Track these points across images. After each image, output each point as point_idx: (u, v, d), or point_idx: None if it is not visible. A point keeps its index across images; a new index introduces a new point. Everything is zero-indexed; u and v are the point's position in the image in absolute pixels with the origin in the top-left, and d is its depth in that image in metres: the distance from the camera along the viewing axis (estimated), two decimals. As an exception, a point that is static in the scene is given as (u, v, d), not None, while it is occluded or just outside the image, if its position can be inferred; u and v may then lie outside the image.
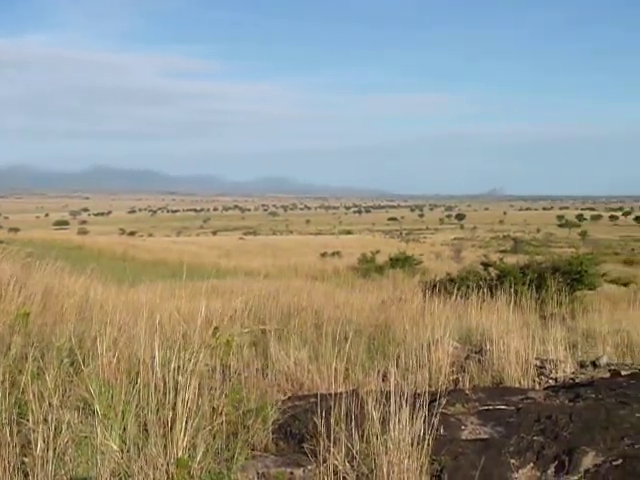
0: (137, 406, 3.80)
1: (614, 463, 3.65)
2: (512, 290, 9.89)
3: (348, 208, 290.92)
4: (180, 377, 3.79)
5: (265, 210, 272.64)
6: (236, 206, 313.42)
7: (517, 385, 5.68)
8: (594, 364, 6.32)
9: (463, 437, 4.18)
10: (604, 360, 6.40)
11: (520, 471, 3.68)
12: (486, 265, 19.92)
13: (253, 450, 4.06)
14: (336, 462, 3.67)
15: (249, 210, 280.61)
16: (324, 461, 3.68)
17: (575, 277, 17.41)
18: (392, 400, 3.72)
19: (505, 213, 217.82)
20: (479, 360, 6.28)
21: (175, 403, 3.69)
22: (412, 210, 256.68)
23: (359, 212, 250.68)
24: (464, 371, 6.06)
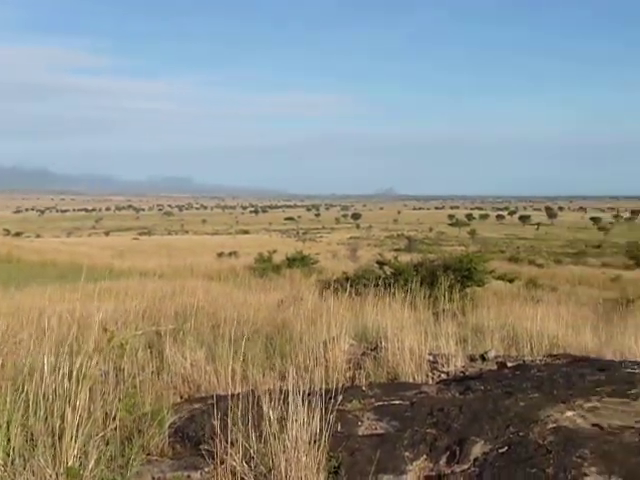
0: (23, 416, 3.62)
1: (500, 450, 3.83)
2: (406, 288, 10.17)
3: (245, 208, 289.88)
4: (70, 383, 3.65)
5: (160, 210, 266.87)
6: (130, 206, 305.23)
7: (411, 380, 5.85)
8: (483, 357, 6.60)
9: (360, 433, 4.25)
10: (492, 353, 6.70)
11: (414, 463, 3.79)
12: (381, 264, 20.36)
13: (149, 455, 3.97)
14: (234, 463, 3.65)
15: (143, 210, 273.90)
16: (222, 462, 3.65)
17: (465, 274, 18.10)
18: (290, 399, 3.74)
19: (399, 212, 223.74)
20: (375, 357, 6.41)
21: (64, 410, 3.55)
22: (308, 210, 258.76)
23: (256, 212, 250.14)
24: (360, 368, 6.17)
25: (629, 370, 5.71)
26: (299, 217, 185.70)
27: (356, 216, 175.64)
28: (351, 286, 11.00)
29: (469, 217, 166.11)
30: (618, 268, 52.15)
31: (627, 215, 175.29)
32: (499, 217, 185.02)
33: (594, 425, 4.17)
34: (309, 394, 3.87)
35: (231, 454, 3.66)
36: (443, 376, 6.02)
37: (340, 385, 5.29)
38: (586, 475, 3.44)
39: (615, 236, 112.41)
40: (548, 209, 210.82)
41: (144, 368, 5.27)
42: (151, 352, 6.20)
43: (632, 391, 4.92)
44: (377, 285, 10.44)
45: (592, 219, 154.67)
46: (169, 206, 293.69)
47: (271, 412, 3.73)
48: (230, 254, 48.86)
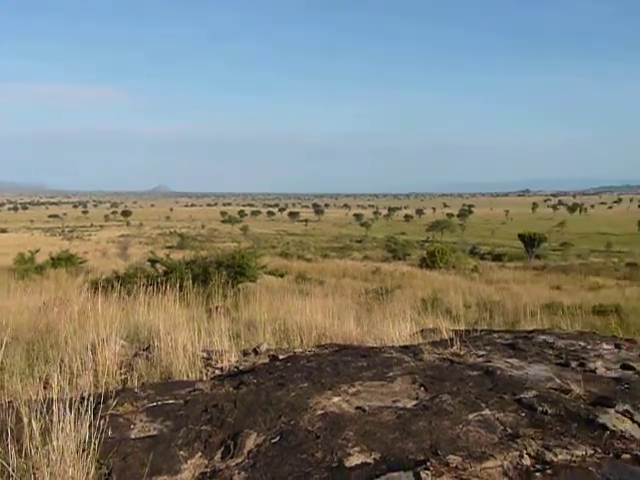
0: None
1: (273, 440, 3.96)
2: (179, 286, 10.06)
3: (2, 205, 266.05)
4: None
5: None
6: None
7: (186, 378, 5.80)
8: (255, 351, 6.75)
9: (132, 436, 4.13)
10: (264, 347, 6.87)
11: (189, 461, 3.77)
12: (153, 261, 19.94)
13: None
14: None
15: None
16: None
17: (238, 270, 18.37)
18: (54, 408, 3.51)
19: (171, 210, 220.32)
20: (147, 357, 6.25)
21: None
22: (75, 206, 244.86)
23: (15, 209, 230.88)
24: (133, 369, 5.98)
25: (387, 355, 6.21)
26: (65, 214, 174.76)
27: (126, 213, 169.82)
28: (122, 285, 10.63)
29: (241, 214, 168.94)
30: (378, 261, 56.34)
31: (385, 212, 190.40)
32: (270, 214, 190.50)
33: (357, 408, 4.47)
34: (77, 400, 3.67)
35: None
36: (217, 372, 6.05)
37: (111, 389, 5.09)
38: (350, 455, 3.68)
39: (375, 231, 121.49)
40: (315, 206, 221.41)
41: None
42: None
43: (389, 374, 5.36)
44: (149, 284, 10.19)
45: (355, 215, 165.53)
46: None
47: (33, 423, 3.48)
48: (-18, 255, 44.56)
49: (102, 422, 3.59)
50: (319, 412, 4.36)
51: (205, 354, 6.44)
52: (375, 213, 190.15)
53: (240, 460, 3.76)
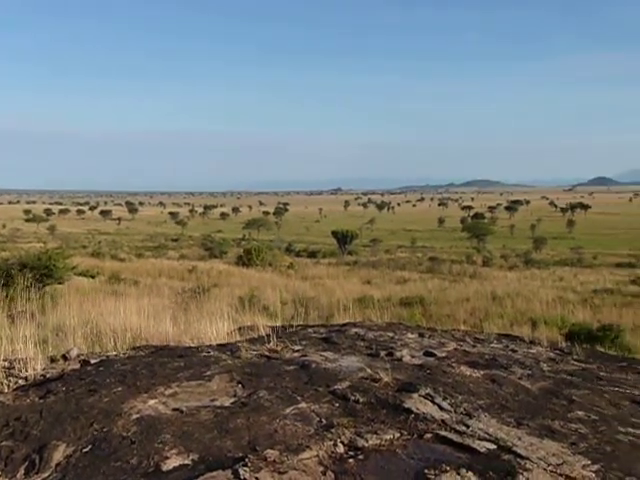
0: None
1: (84, 450, 3.76)
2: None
3: None
4: None
5: None
6: None
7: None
8: (65, 357, 6.38)
9: None
10: (74, 352, 6.51)
11: (-12, 481, 3.47)
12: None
13: None
14: None
15: None
16: None
17: (44, 272, 17.25)
18: None
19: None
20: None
21: None
22: None
23: None
24: None
25: (204, 354, 6.16)
26: None
27: None
28: None
29: (48, 212, 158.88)
30: (194, 259, 55.66)
31: (201, 210, 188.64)
32: (80, 212, 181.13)
33: (175, 409, 4.39)
34: None
35: None
36: (21, 382, 5.64)
37: None
38: (167, 458, 3.60)
39: (191, 230, 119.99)
40: (129, 204, 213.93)
41: None
42: None
43: (207, 373, 5.32)
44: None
45: (171, 214, 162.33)
46: None
47: None
48: None
49: None
50: (134, 416, 4.22)
51: (7, 363, 5.97)
52: (191, 211, 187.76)
53: (47, 474, 3.52)
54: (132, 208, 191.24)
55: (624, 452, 3.88)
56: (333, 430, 4.04)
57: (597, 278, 44.34)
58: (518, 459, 3.66)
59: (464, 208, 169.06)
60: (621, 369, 6.62)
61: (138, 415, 4.25)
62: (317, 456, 3.67)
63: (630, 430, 4.32)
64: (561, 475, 3.48)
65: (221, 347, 6.65)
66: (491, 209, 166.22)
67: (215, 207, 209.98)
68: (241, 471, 3.37)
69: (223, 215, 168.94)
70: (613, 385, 5.65)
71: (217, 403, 4.58)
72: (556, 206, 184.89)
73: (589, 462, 3.67)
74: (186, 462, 3.57)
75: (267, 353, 6.30)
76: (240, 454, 3.64)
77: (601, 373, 6.22)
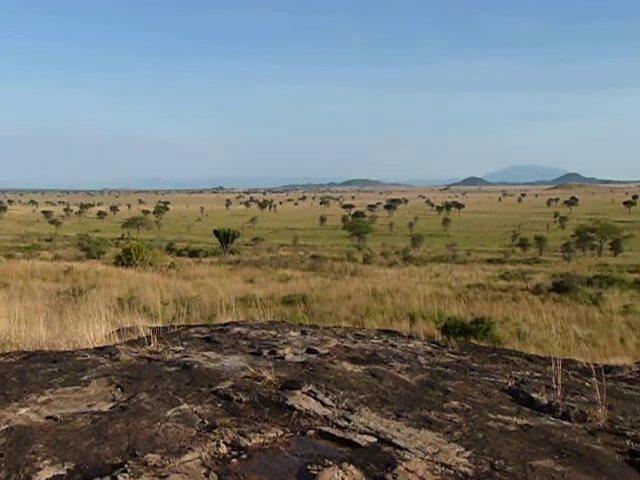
0: None
1: (-53, 466, 3.51)
2: None
3: None
4: None
5: None
6: None
7: None
8: None
9: None
10: None
11: None
12: None
13: None
14: None
15: None
16: None
17: None
18: None
19: None
20: None
21: None
22: None
23: None
24: None
25: (81, 358, 5.92)
26: None
27: None
28: None
29: None
30: (70, 260, 53.42)
31: (77, 209, 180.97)
32: None
33: (48, 417, 4.19)
34: None
35: None
36: None
37: None
38: (40, 469, 3.43)
39: (66, 229, 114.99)
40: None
41: None
42: None
43: (84, 378, 5.12)
44: None
45: (44, 212, 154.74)
46: None
47: None
48: None
49: None
50: (3, 427, 3.98)
51: None
52: (66, 210, 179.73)
53: None
54: (0, 207, 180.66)
55: (494, 438, 4.09)
56: (216, 431, 4.00)
57: (470, 274, 46.69)
58: (397, 450, 3.77)
59: (345, 207, 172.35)
60: (492, 359, 6.99)
61: (7, 425, 4.02)
62: (200, 458, 3.62)
63: (500, 417, 4.57)
64: (437, 463, 3.62)
65: (99, 350, 6.42)
66: (371, 208, 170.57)
67: (92, 206, 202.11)
68: (120, 477, 3.26)
69: (101, 214, 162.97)
70: (484, 375, 5.95)
71: (95, 409, 4.41)
72: (432, 205, 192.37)
73: (463, 449, 3.85)
74: (60, 472, 3.41)
75: (147, 355, 6.15)
76: (119, 460, 3.53)
77: (474, 364, 6.54)
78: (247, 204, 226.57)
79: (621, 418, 4.74)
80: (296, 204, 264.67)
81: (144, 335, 7.14)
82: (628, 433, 4.37)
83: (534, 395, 5.18)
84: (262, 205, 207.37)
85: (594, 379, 5.04)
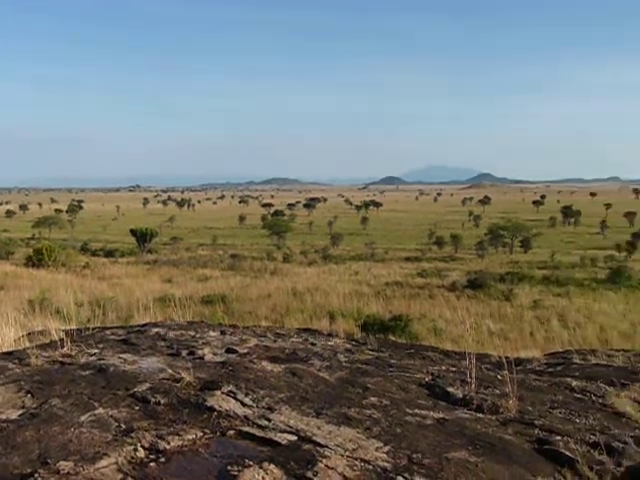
0: None
1: None
2: None
3: None
4: None
5: None
6: None
7: None
8: None
9: None
10: None
11: None
12: None
13: None
14: None
15: None
16: None
17: None
18: None
19: None
20: None
21: None
22: None
23: None
24: None
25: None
26: None
27: None
28: None
29: None
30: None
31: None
32: None
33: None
34: None
35: None
36: None
37: None
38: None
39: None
40: None
41: None
42: None
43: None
44: None
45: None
46: None
47: None
48: None
49: None
50: None
51: None
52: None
53: None
54: None
55: (412, 432, 4.17)
56: (133, 434, 3.90)
57: (389, 272, 47.47)
58: (317, 448, 3.79)
59: (264, 205, 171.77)
60: (409, 355, 7.14)
61: None
62: (116, 463, 3.52)
63: (417, 411, 4.67)
64: (357, 459, 3.66)
65: (7, 355, 6.15)
66: (290, 206, 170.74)
67: (0, 204, 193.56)
68: (31, 487, 3.14)
69: (9, 213, 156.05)
70: (402, 371, 6.07)
71: (3, 417, 4.22)
72: (351, 204, 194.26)
73: (381, 444, 3.91)
74: (-35, 484, 3.26)
75: (60, 359, 5.93)
76: (29, 470, 3.39)
77: (392, 361, 6.66)
78: (165, 203, 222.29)
79: (530, 408, 4.93)
80: (215, 203, 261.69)
81: (57, 338, 6.90)
82: (537, 422, 4.56)
83: (450, 389, 5.32)
84: (180, 204, 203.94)
85: (506, 372, 5.21)
